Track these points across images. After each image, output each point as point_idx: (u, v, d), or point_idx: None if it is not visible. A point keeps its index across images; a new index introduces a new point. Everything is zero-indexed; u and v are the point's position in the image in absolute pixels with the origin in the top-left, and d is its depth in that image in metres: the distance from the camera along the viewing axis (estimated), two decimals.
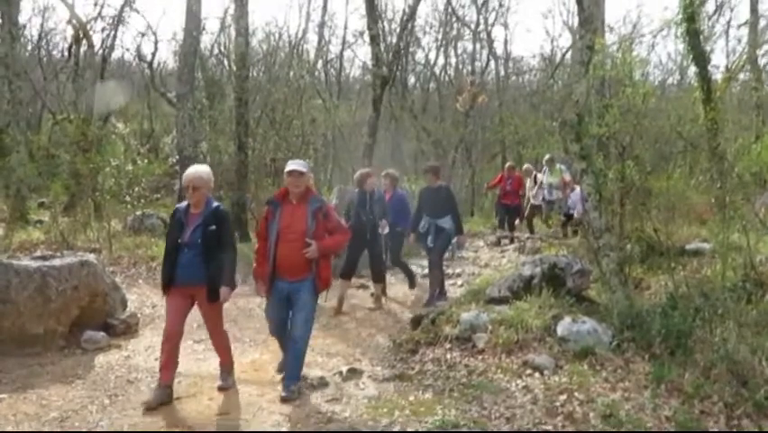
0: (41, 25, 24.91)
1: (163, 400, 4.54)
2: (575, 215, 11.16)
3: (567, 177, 11.90)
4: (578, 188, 11.14)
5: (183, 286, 4.65)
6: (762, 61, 15.67)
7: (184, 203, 4.85)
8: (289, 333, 4.85)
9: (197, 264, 4.58)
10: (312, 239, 4.72)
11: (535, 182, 12.76)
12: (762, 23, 15.92)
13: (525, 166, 13.84)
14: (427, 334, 5.82)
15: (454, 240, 8.04)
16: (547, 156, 12.50)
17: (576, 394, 4.44)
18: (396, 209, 8.26)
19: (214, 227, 4.62)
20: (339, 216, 7.42)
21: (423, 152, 24.71)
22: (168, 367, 4.63)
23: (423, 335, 5.84)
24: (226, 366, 5.01)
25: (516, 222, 12.79)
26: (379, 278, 7.88)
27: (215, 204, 4.77)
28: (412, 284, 8.68)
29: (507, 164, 13.28)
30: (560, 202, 11.93)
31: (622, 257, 6.43)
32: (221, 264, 4.62)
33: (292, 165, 4.82)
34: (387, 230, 7.81)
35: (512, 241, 12.06)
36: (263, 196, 12.77)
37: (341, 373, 5.19)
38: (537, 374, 4.86)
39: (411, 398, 4.60)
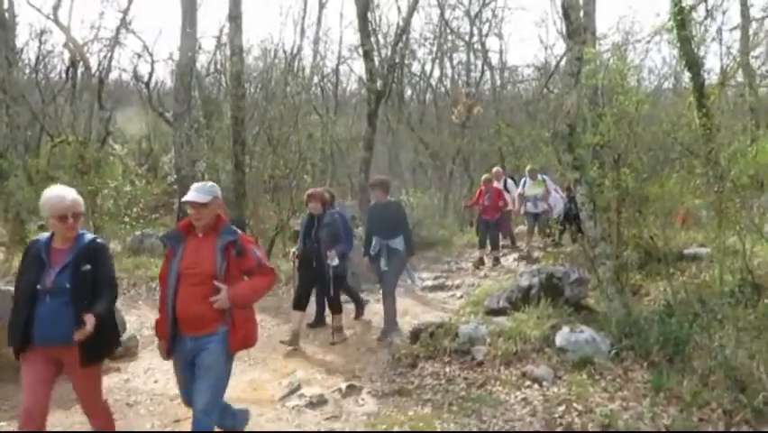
0: (39, 49, 24.88)
1: None
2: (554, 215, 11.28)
3: (551, 187, 11.77)
4: (553, 192, 11.68)
5: (45, 347, 3.49)
6: (755, 64, 15.74)
7: (43, 235, 3.69)
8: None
9: (65, 317, 3.43)
10: (223, 282, 3.56)
11: (505, 186, 12.36)
12: (753, 26, 16.00)
13: (495, 169, 13.15)
14: (426, 347, 5.82)
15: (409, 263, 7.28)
16: (529, 167, 11.92)
17: (575, 405, 4.44)
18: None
19: (88, 267, 3.54)
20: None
21: (421, 164, 24.81)
22: None
23: (422, 348, 5.83)
24: None
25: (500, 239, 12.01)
26: (335, 309, 7.03)
27: (90, 236, 3.70)
28: (358, 313, 7.89)
29: (484, 177, 12.00)
30: (546, 214, 11.65)
31: (618, 265, 6.44)
32: (102, 314, 3.47)
33: (190, 194, 3.66)
34: (336, 261, 6.75)
35: (497, 261, 11.30)
36: (262, 213, 12.80)
37: (340, 389, 5.18)
38: (536, 386, 4.87)
39: (410, 413, 4.59)
